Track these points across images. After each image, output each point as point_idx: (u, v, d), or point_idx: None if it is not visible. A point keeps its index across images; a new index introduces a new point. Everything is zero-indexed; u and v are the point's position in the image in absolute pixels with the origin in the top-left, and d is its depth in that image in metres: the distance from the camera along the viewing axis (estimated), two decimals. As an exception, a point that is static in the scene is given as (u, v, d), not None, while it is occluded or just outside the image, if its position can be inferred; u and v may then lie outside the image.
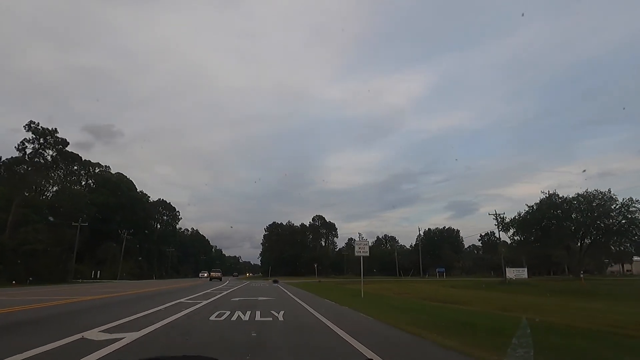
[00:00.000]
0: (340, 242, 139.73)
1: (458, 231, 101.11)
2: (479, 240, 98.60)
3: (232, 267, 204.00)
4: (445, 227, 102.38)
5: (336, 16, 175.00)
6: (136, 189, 78.61)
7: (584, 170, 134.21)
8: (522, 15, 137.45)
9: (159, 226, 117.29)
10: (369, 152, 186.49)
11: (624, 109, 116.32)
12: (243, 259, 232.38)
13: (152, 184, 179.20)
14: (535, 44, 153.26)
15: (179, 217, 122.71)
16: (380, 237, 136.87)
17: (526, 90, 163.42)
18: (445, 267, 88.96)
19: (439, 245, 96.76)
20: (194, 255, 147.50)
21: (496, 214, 57.58)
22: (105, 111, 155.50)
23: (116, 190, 70.75)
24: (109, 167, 74.78)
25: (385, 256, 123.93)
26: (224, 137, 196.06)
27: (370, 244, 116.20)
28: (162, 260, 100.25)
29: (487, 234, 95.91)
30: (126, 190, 72.94)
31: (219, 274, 60.85)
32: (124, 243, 64.86)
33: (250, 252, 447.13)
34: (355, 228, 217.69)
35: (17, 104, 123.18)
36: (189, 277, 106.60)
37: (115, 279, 60.94)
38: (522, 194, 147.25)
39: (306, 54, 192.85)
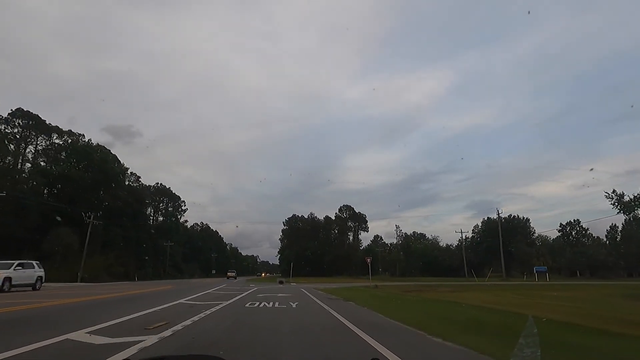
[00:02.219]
0: (365, 240, 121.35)
1: (527, 220, 79.18)
2: (559, 231, 76.58)
3: (250, 266, 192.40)
4: (511, 215, 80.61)
5: (354, 16, 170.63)
6: (119, 162, 60.49)
7: (592, 169, 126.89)
8: (545, 9, 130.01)
9: (160, 218, 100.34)
10: (388, 151, 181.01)
11: (632, 106, 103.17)
12: (262, 258, 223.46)
13: (172, 184, 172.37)
14: (559, 38, 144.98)
15: (183, 207, 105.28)
16: (409, 234, 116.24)
17: (550, 86, 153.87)
18: (520, 264, 68.16)
19: (509, 238, 75.24)
20: (204, 252, 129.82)
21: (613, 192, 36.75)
22: (126, 113, 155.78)
23: (85, 161, 52.84)
24: (83, 135, 56.97)
25: (428, 254, 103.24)
26: (243, 137, 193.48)
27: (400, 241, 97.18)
28: (160, 257, 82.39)
29: (569, 223, 73.86)
30: (100, 162, 54.89)
31: (234, 273, 78.49)
32: (89, 231, 46.70)
33: (269, 251, 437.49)
34: (374, 228, 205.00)
35: (39, 104, 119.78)
36: (195, 278, 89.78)
37: (75, 281, 43.08)
38: (546, 193, 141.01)
39: (325, 54, 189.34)
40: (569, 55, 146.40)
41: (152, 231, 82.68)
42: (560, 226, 74.87)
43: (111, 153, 58.92)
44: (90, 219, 47.73)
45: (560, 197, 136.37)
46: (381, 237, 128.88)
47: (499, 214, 55.12)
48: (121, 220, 64.61)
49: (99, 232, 57.32)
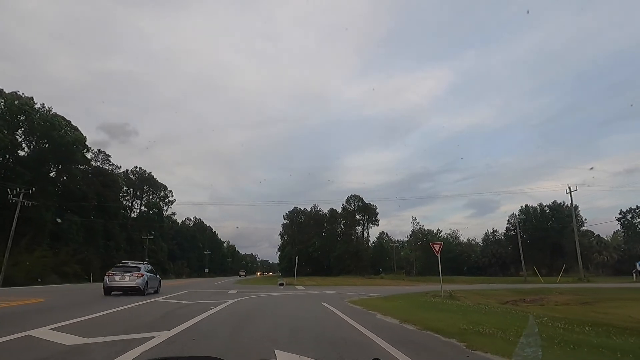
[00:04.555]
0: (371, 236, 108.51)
1: (576, 207, 65.84)
2: (619, 221, 63.40)
3: (248, 265, 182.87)
4: (555, 201, 67.42)
5: (353, 15, 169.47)
6: (74, 129, 47.20)
7: (591, 168, 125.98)
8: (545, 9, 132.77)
9: (143, 208, 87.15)
10: (387, 151, 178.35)
11: (631, 105, 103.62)
12: (261, 257, 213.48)
13: (171, 184, 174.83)
14: (558, 37, 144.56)
15: (170, 197, 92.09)
16: (416, 231, 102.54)
17: (549, 86, 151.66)
18: (575, 259, 55.32)
19: (559, 229, 62.47)
20: (195, 250, 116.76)
21: None
22: (124, 113, 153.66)
23: (20, 124, 40.01)
24: (32, 98, 43.55)
25: (452, 249, 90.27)
26: (242, 137, 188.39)
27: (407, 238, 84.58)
28: (137, 254, 69.38)
29: (630, 210, 60.70)
30: (44, 127, 41.89)
31: (244, 272, 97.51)
32: (16, 214, 33.74)
33: (268, 250, 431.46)
34: (374, 227, 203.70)
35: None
36: (182, 278, 77.11)
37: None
38: (545, 192, 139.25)
39: (324, 54, 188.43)
40: (569, 54, 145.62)
41: (127, 222, 69.78)
42: (620, 213, 61.82)
43: (63, 118, 45.62)
44: (19, 197, 34.68)
45: (559, 196, 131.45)
46: (387, 234, 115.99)
47: (570, 191, 41.03)
48: (81, 207, 51.75)
49: (46, 220, 44.53)
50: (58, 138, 43.59)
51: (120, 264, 18.98)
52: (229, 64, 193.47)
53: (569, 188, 39.68)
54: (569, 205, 67.26)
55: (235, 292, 19.75)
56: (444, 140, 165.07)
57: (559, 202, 68.18)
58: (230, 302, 12.49)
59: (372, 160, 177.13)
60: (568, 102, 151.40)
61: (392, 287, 29.59)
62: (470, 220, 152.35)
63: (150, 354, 4.37)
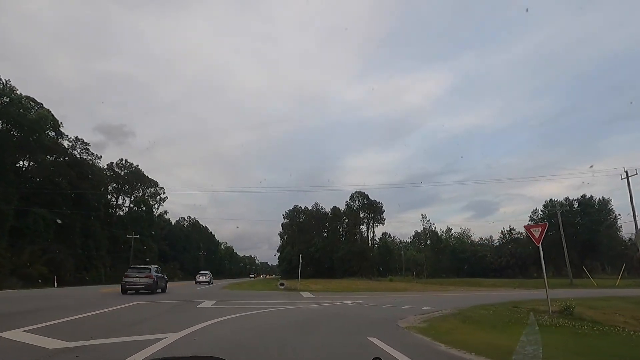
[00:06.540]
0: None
1: (608, 202, 59.55)
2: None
3: (247, 267, 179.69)
4: (585, 195, 60.93)
5: (353, 16, 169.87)
6: (40, 106, 40.71)
7: (591, 166, 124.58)
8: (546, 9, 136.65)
9: (131, 205, 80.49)
10: (387, 152, 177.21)
11: (631, 102, 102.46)
12: (261, 260, 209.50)
13: (171, 185, 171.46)
14: (558, 38, 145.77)
15: (161, 195, 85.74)
16: (421, 231, 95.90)
17: (549, 86, 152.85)
18: (612, 259, 49.42)
19: (591, 226, 55.99)
20: (190, 251, 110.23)
21: None
22: (124, 115, 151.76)
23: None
24: None
25: (465, 249, 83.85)
26: (242, 139, 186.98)
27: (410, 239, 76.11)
28: (122, 254, 62.83)
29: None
30: (4, 105, 35.47)
31: (253, 274, 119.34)
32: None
33: (268, 252, 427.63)
34: (379, 226, 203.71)
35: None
36: (175, 281, 70.15)
37: None
38: (545, 193, 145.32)
39: (324, 55, 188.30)
40: (568, 54, 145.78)
41: (112, 220, 63.18)
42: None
43: (30, 99, 39.14)
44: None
45: (559, 196, 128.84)
46: (389, 234, 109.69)
47: (627, 176, 33.23)
48: (52, 200, 45.22)
49: (5, 213, 38.03)
50: (18, 116, 37.09)
51: (201, 272, 39.27)
52: (228, 64, 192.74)
53: (626, 173, 32.90)
54: (601, 199, 60.80)
55: (211, 304, 12.98)
56: (444, 141, 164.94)
57: (588, 195, 61.73)
58: (168, 342, 5.89)
59: (372, 161, 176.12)
60: (568, 102, 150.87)
61: (429, 294, 23.17)
62: (471, 222, 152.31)
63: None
